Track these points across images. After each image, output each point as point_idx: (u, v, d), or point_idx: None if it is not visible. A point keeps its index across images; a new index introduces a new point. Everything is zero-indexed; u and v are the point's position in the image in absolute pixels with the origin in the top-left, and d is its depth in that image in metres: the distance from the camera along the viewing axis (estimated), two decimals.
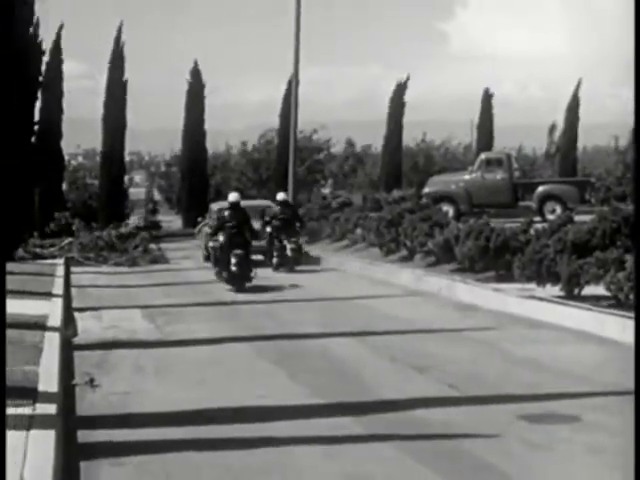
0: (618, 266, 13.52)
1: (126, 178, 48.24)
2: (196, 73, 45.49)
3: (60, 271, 22.57)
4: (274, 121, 48.46)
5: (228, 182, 52.50)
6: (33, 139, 10.20)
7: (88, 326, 14.16)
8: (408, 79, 49.30)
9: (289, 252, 24.16)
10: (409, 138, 54.98)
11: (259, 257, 23.41)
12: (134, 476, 6.70)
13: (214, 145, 54.26)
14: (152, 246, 30.44)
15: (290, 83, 39.62)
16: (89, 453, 7.20)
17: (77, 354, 11.66)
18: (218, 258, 20.58)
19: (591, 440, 7.41)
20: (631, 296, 12.85)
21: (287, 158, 36.43)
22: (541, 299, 14.76)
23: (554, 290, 14.99)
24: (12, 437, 6.46)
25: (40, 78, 10.25)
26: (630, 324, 11.60)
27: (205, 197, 43.39)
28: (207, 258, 23.36)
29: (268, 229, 24.83)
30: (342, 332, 13.38)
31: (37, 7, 10.01)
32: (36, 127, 11.11)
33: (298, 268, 23.92)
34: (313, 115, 57.42)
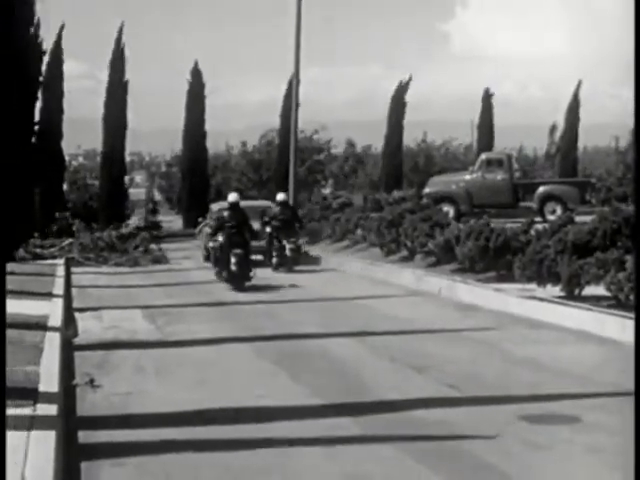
0: (618, 266, 13.53)
1: (127, 178, 48.22)
2: (196, 73, 45.49)
3: (60, 271, 22.59)
4: (274, 121, 48.52)
5: (228, 182, 52.52)
6: (33, 139, 10.21)
7: (89, 326, 14.16)
8: (410, 80, 49.32)
9: (288, 252, 24.25)
10: (409, 138, 55.05)
11: (259, 257, 23.49)
12: (135, 476, 6.71)
13: (215, 145, 54.29)
14: (152, 246, 30.47)
15: (290, 83, 39.62)
16: (90, 454, 7.20)
17: (78, 354, 11.66)
18: (218, 258, 20.79)
19: (591, 440, 7.41)
20: (631, 296, 12.86)
21: (288, 158, 36.42)
22: (542, 299, 14.77)
23: (554, 290, 14.99)
24: (13, 437, 6.46)
25: (40, 78, 10.25)
26: (630, 324, 11.60)
27: (205, 197, 43.39)
28: (207, 258, 23.45)
29: (268, 229, 24.91)
30: (342, 332, 13.38)
31: (38, 7, 10.02)
32: (36, 127, 11.11)
33: (297, 268, 23.99)
34: (313, 115, 57.29)
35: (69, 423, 7.93)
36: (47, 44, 24.10)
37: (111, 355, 11.73)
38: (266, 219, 25.27)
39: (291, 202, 30.99)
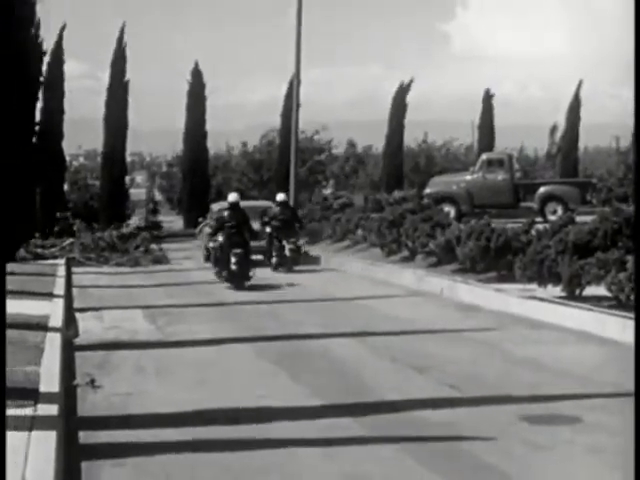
0: (619, 267, 13.52)
1: (127, 179, 48.20)
2: (197, 73, 45.48)
3: (61, 271, 22.60)
4: (275, 121, 48.50)
5: (229, 183, 52.50)
6: (34, 139, 10.21)
7: (89, 327, 14.16)
8: (411, 82, 49.28)
9: (288, 252, 24.33)
10: (410, 138, 55.02)
11: (259, 257, 23.55)
12: (135, 477, 6.71)
13: (215, 145, 54.29)
14: (153, 246, 30.49)
15: (291, 83, 39.62)
16: (90, 454, 7.20)
17: (78, 355, 11.67)
18: (218, 258, 20.94)
19: (592, 441, 7.41)
20: (632, 297, 12.86)
21: (288, 159, 36.42)
22: (542, 300, 14.77)
23: (555, 291, 14.99)
24: (14, 438, 6.46)
25: (41, 78, 10.26)
26: (631, 325, 11.60)
27: (206, 197, 43.37)
28: (208, 258, 23.49)
29: (268, 229, 24.96)
30: (342, 332, 13.38)
31: (38, 7, 10.02)
32: (37, 127, 11.12)
33: (297, 268, 24.04)
34: (314, 115, 57.30)
35: (70, 423, 7.93)
36: (48, 44, 24.26)
37: (112, 355, 11.73)
38: (266, 219, 25.33)
39: (292, 202, 31.00)
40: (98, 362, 11.19)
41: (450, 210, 31.61)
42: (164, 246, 32.05)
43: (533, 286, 15.62)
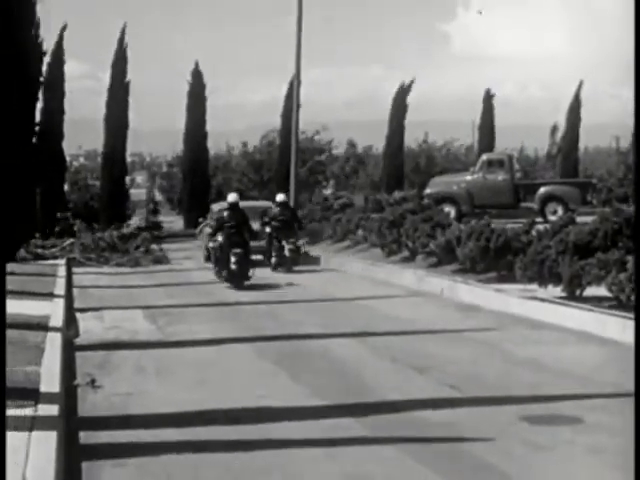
0: (620, 267, 13.52)
1: (128, 179, 48.18)
2: (197, 74, 45.47)
3: (62, 272, 22.60)
4: (276, 122, 48.47)
5: (229, 183, 52.49)
6: (34, 140, 10.23)
7: (90, 327, 14.17)
8: (412, 82, 49.25)
9: (287, 252, 24.39)
10: (411, 138, 55.00)
11: (258, 257, 23.61)
12: (135, 477, 6.71)
13: (216, 146, 54.29)
14: (153, 247, 30.49)
15: (291, 84, 39.61)
16: (91, 454, 7.20)
17: (79, 355, 11.67)
18: (218, 257, 21.10)
19: (593, 441, 7.41)
20: (633, 297, 12.85)
21: (289, 159, 36.43)
22: (543, 300, 14.77)
23: (556, 291, 14.99)
24: (14, 438, 6.46)
25: (41, 79, 10.28)
26: (631, 325, 11.59)
27: (206, 198, 43.36)
28: (208, 258, 23.56)
29: (267, 229, 25.00)
30: (343, 333, 13.38)
31: (38, 7, 10.01)
32: (37, 128, 11.13)
33: (296, 268, 24.07)
34: (314, 116, 57.30)
35: (70, 423, 7.93)
36: (48, 45, 24.25)
37: (112, 355, 11.73)
38: (266, 219, 25.38)
39: (292, 203, 31.01)
40: (98, 362, 11.19)
41: (450, 210, 31.60)
42: (164, 246, 32.06)
43: (533, 286, 15.62)
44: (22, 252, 26.07)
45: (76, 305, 17.13)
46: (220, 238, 21.11)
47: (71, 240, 30.43)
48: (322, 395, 9.26)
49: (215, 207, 28.33)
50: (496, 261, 18.03)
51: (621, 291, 13.18)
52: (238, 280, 20.34)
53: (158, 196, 61.39)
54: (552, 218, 28.34)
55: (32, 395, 7.99)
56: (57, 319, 13.43)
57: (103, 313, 15.89)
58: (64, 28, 40.23)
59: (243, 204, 23.60)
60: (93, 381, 9.81)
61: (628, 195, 35.06)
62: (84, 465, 6.93)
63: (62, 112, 40.10)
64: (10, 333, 10.12)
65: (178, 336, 13.42)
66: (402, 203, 30.04)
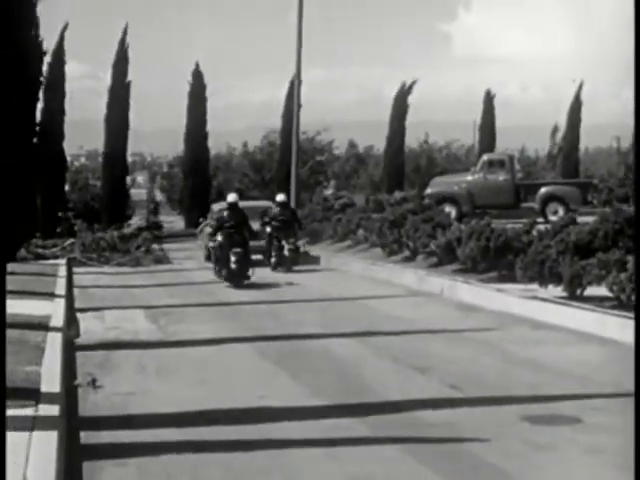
0: (620, 267, 13.52)
1: (128, 179, 48.21)
2: (198, 74, 45.50)
3: (62, 271, 22.60)
4: (276, 122, 48.47)
5: (230, 183, 52.50)
6: (35, 140, 10.25)
7: (90, 326, 14.17)
8: (414, 83, 49.22)
9: (286, 252, 24.47)
10: (411, 139, 55.00)
11: (258, 257, 23.71)
12: (136, 477, 6.71)
13: (216, 146, 54.30)
14: (154, 246, 30.49)
15: (292, 84, 39.62)
16: (92, 454, 7.20)
17: (79, 354, 11.67)
18: (218, 257, 21.27)
19: (593, 441, 7.41)
20: (633, 297, 12.85)
21: (289, 159, 36.46)
22: (543, 300, 14.76)
23: (556, 291, 14.99)
24: (15, 438, 6.46)
25: (42, 79, 10.29)
26: (632, 325, 11.59)
27: (207, 198, 43.39)
28: (208, 258, 23.66)
29: (268, 229, 25.06)
30: (343, 332, 13.38)
31: (39, 7, 10.02)
32: (38, 128, 11.14)
33: (296, 268, 24.13)
34: (315, 116, 57.36)
35: (71, 423, 7.93)
36: (50, 45, 24.24)
37: (113, 355, 11.73)
38: (266, 219, 25.43)
39: (293, 203, 31.02)
40: (99, 362, 11.19)
41: (451, 210, 31.61)
42: (165, 246, 32.05)
43: (534, 286, 15.62)
44: (23, 252, 26.05)
45: (77, 305, 17.14)
46: (220, 238, 21.29)
47: (72, 240, 30.42)
48: (323, 395, 9.26)
49: (215, 207, 28.36)
50: (497, 261, 18.03)
51: (622, 291, 13.18)
52: (238, 279, 20.48)
53: (159, 196, 61.40)
54: (553, 218, 28.34)
55: (33, 395, 7.99)
56: (58, 319, 13.42)
57: (104, 313, 15.89)
58: (65, 28, 40.30)
59: (243, 204, 23.70)
60: (94, 381, 9.81)
61: (629, 195, 35.04)
62: (85, 465, 6.93)
63: (63, 112, 40.12)
64: (11, 333, 10.12)
65: (179, 336, 13.42)
66: (403, 203, 30.08)
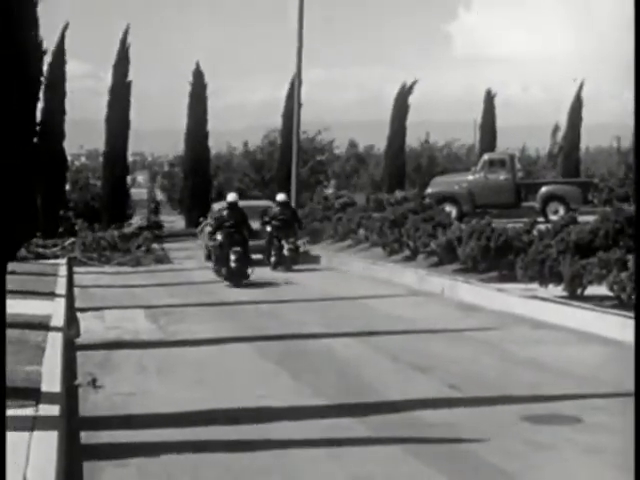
0: (621, 266, 13.52)
1: (129, 178, 48.18)
2: (198, 74, 45.46)
3: (63, 271, 22.61)
4: (277, 121, 48.43)
5: (230, 183, 52.49)
6: (35, 139, 10.23)
7: (91, 326, 14.17)
8: (414, 83, 49.19)
9: (286, 252, 24.55)
10: (412, 138, 54.99)
11: (258, 256, 23.76)
12: (137, 477, 6.70)
13: (217, 145, 54.26)
14: (155, 246, 30.51)
15: (292, 83, 39.61)
16: (92, 454, 7.20)
17: (80, 354, 11.66)
18: (217, 256, 21.40)
19: (593, 441, 7.41)
20: (634, 296, 12.84)
21: (290, 159, 36.44)
22: (544, 299, 14.76)
23: (557, 290, 14.99)
24: (15, 438, 6.46)
25: (42, 78, 10.28)
26: (632, 324, 11.58)
27: (207, 197, 43.35)
28: (209, 257, 23.71)
29: (268, 229, 25.11)
30: (344, 332, 13.38)
31: (40, 7, 10.01)
32: (38, 127, 11.13)
33: (296, 267, 24.18)
34: (316, 116, 57.34)
35: (71, 423, 7.93)
36: (51, 44, 24.28)
37: (113, 355, 11.73)
38: (266, 219, 25.48)
39: (293, 202, 31.02)
40: (100, 362, 11.19)
41: (452, 210, 31.58)
42: (165, 246, 32.07)
43: (534, 286, 15.61)
44: (23, 251, 26.05)
45: (77, 305, 17.14)
46: (220, 237, 21.45)
47: (72, 239, 30.40)
48: (323, 395, 9.26)
49: (216, 206, 28.38)
50: (497, 260, 18.02)
51: (622, 290, 13.18)
52: (237, 278, 20.57)
53: (159, 195, 61.36)
54: (553, 218, 28.34)
55: (33, 395, 7.99)
56: (58, 319, 13.42)
57: (104, 312, 15.89)
58: (65, 28, 40.27)
59: (243, 203, 23.76)
60: (94, 381, 9.80)
61: (629, 195, 35.06)
62: (85, 465, 6.93)
63: (63, 112, 40.08)
64: (11, 333, 10.12)
65: (179, 335, 13.42)
66: (403, 203, 30.06)
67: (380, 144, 54.73)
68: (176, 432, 7.90)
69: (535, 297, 15.03)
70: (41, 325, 12.46)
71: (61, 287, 18.51)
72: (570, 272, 14.51)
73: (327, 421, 8.19)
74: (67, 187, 43.46)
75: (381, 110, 55.67)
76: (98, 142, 47.83)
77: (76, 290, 19.94)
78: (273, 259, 24.74)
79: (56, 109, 38.75)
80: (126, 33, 42.48)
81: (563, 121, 53.55)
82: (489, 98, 53.65)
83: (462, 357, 11.35)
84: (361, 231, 27.44)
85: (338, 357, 11.57)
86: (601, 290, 13.91)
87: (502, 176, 34.21)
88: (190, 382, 10.05)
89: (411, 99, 48.97)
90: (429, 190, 34.66)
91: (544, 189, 33.92)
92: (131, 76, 42.51)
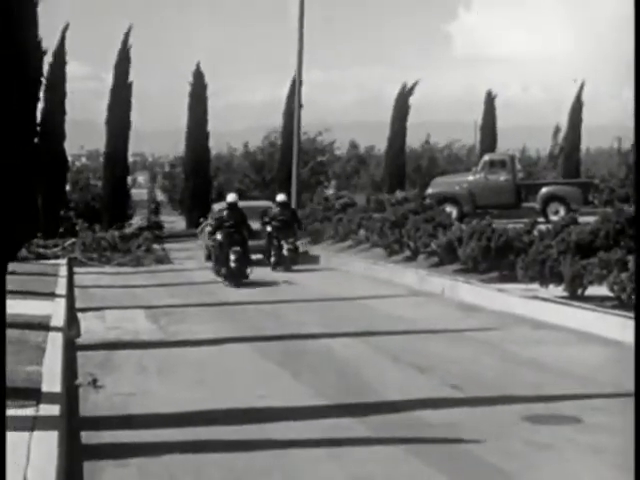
0: (621, 267, 13.52)
1: (129, 179, 48.18)
2: (198, 75, 45.46)
3: (63, 271, 22.61)
4: (277, 122, 48.45)
5: (231, 183, 52.48)
6: (36, 140, 10.23)
7: (91, 326, 14.17)
8: (415, 84, 49.18)
9: (285, 252, 24.59)
10: (412, 139, 54.97)
11: (258, 256, 23.81)
12: (137, 477, 6.70)
13: (217, 146, 54.26)
14: (155, 246, 30.50)
15: (293, 84, 39.61)
16: (93, 454, 7.20)
17: (80, 354, 11.66)
18: (217, 256, 21.53)
19: (594, 441, 7.41)
20: (634, 297, 12.84)
21: (290, 159, 36.45)
22: (544, 299, 14.76)
23: (557, 291, 14.99)
24: (15, 438, 6.46)
25: (42, 79, 10.28)
26: (633, 324, 11.58)
27: (208, 198, 43.36)
28: (209, 258, 23.75)
29: (268, 229, 25.14)
30: (345, 332, 13.37)
31: (40, 7, 10.00)
32: (39, 128, 11.14)
33: (296, 267, 24.21)
34: (316, 116, 57.34)
35: (72, 423, 7.93)
36: (51, 45, 24.28)
37: (114, 355, 11.73)
38: (266, 219, 25.51)
39: (294, 203, 31.02)
40: (100, 362, 11.19)
41: (452, 210, 31.58)
42: (166, 246, 32.06)
43: (535, 286, 15.62)
44: (24, 251, 26.04)
45: (77, 305, 17.13)
46: (219, 237, 21.56)
47: (73, 240, 30.39)
48: (324, 395, 9.26)
49: (216, 207, 28.40)
50: (498, 261, 18.02)
51: (622, 291, 13.18)
52: (237, 278, 20.65)
53: (160, 196, 61.35)
54: (554, 218, 28.33)
55: (33, 395, 7.99)
56: (58, 319, 13.42)
57: (104, 313, 15.89)
58: (66, 28, 40.26)
59: (243, 204, 23.81)
60: (95, 381, 9.81)
61: (629, 195, 35.04)
62: (85, 465, 6.93)
63: (64, 112, 40.07)
64: (11, 333, 10.12)
65: (180, 336, 13.41)
66: (404, 203, 30.03)
67: (381, 145, 54.76)
68: (176, 432, 7.90)
69: (536, 297, 15.03)
70: (41, 325, 12.46)
71: (61, 287, 18.51)
72: (570, 272, 14.51)
73: (327, 421, 8.19)
74: (68, 187, 43.45)
75: (381, 111, 55.73)
76: (99, 143, 47.87)
77: (76, 290, 19.94)
78: (273, 259, 24.79)
79: (56, 110, 38.75)
80: (128, 34, 42.48)
81: (564, 122, 53.60)
82: (489, 99, 53.64)
83: (462, 357, 11.35)
84: (361, 232, 27.44)
85: (338, 357, 11.57)
86: (601, 290, 13.92)
87: (502, 177, 34.21)
88: (190, 382, 10.05)
89: (411, 100, 49.01)
90: (430, 191, 34.66)
91: (544, 190, 33.92)
92: (131, 77, 42.55)
